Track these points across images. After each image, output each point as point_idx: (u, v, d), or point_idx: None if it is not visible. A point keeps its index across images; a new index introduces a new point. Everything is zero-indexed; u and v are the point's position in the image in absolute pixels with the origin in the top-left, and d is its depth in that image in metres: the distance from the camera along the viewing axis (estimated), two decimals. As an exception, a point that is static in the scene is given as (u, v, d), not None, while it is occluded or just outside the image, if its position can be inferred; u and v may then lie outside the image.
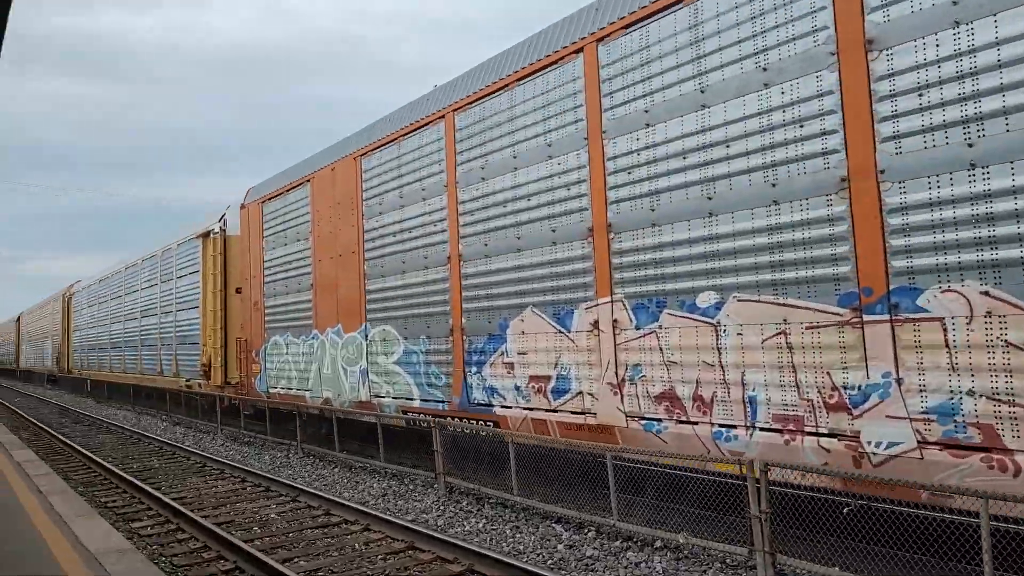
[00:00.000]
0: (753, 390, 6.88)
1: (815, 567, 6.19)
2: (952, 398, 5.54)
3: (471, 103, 10.52)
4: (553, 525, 8.58)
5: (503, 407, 9.80)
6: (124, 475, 12.54)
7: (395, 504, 10.19)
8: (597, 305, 8.46)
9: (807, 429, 6.44)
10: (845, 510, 6.28)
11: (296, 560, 7.80)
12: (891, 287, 5.90)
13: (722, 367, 7.15)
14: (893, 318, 5.87)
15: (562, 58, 9.05)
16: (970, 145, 5.49)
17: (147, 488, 11.27)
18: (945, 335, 5.57)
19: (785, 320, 6.65)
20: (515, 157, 9.72)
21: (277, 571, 7.12)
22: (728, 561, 7.03)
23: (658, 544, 7.61)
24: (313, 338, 14.56)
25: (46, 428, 21.01)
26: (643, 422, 7.92)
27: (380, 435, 12.11)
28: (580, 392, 8.66)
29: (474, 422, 10.21)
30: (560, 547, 7.84)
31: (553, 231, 9.12)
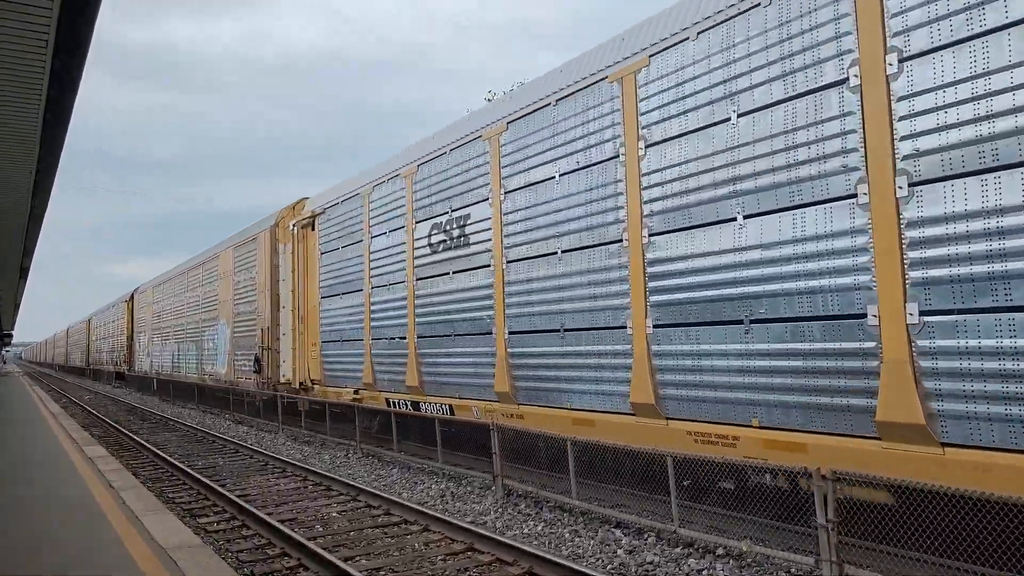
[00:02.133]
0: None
1: (885, 579, 6.02)
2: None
3: None
4: (612, 530, 8.51)
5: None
6: (190, 471, 12.91)
7: (453, 505, 10.25)
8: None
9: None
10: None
11: (357, 559, 7.90)
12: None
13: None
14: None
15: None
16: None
17: (213, 485, 11.58)
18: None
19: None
20: None
21: (340, 569, 7.23)
22: (793, 570, 6.88)
23: (720, 551, 7.49)
24: None
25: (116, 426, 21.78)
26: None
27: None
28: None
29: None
30: (620, 552, 7.78)
31: None
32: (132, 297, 40.87)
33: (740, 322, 7.67)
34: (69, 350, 76.62)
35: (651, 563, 7.41)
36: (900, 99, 6.36)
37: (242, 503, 10.14)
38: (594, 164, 9.64)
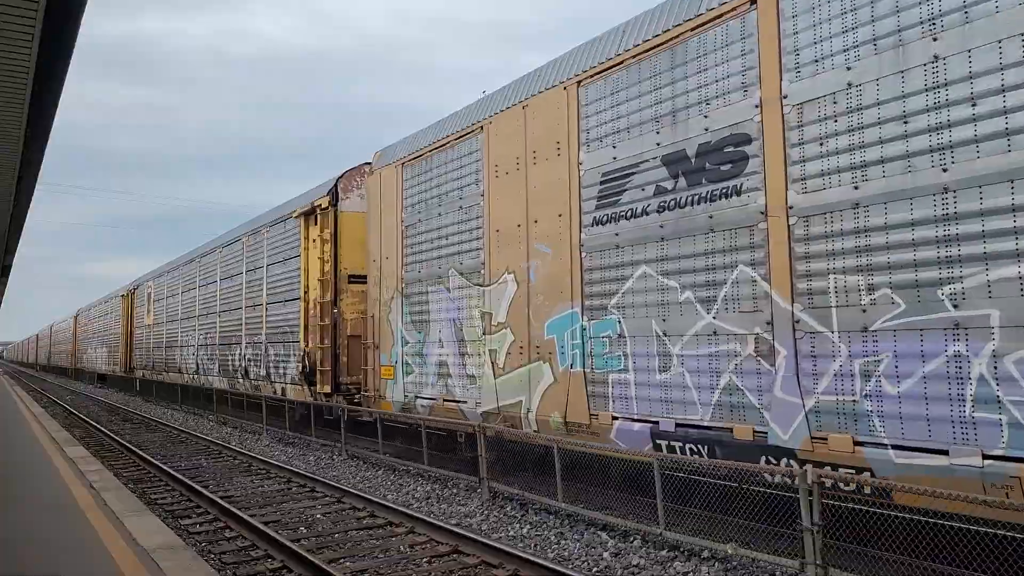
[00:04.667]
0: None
1: (870, 582, 6.02)
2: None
3: None
4: (598, 532, 8.49)
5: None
6: (173, 473, 12.78)
7: (439, 508, 10.19)
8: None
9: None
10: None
11: (342, 561, 7.84)
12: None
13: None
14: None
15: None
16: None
17: (195, 486, 11.46)
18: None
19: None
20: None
21: (324, 571, 7.16)
22: (778, 574, 6.89)
23: (705, 554, 7.49)
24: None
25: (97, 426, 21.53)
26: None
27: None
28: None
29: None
30: (606, 555, 7.76)
31: None
32: (335, 199, 15.94)
33: None
34: (79, 345, 52.09)
35: (637, 566, 7.39)
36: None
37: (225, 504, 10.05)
38: None
